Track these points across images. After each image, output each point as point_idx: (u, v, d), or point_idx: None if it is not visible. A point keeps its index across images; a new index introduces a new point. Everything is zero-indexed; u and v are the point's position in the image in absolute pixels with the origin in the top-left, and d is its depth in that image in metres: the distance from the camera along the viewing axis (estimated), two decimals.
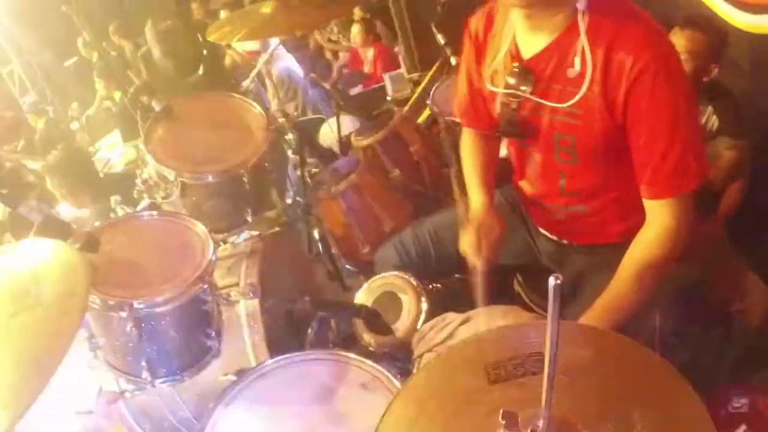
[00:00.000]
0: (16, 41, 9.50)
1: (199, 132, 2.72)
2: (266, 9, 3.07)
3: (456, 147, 3.33)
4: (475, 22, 2.05)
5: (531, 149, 1.99)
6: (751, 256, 2.89)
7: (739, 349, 2.60)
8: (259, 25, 3.04)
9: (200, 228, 2.21)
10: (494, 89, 1.95)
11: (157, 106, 2.69)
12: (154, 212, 2.42)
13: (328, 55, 8.12)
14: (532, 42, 1.83)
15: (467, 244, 2.02)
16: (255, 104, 2.79)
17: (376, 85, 6.36)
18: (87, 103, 8.57)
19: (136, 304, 1.97)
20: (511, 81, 1.86)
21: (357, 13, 7.36)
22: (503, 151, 2.29)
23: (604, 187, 1.92)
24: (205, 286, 2.08)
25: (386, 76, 6.00)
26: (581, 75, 1.70)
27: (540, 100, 1.82)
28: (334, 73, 7.63)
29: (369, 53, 6.89)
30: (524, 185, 2.16)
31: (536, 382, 1.10)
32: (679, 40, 2.75)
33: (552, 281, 0.90)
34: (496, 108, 1.97)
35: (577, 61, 1.70)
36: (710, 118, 2.92)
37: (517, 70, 1.85)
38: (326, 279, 3.44)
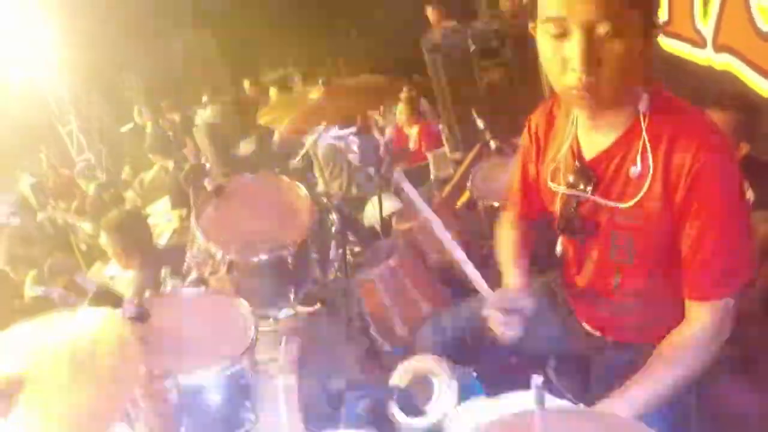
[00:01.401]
0: (77, 102, 9.89)
1: (247, 212, 2.85)
2: (314, 95, 3.22)
3: (493, 230, 3.41)
4: (536, 119, 2.06)
5: (587, 245, 1.97)
6: None
7: None
8: (307, 110, 3.16)
9: (244, 307, 2.32)
10: (555, 188, 1.95)
11: (209, 186, 2.82)
12: (202, 288, 2.54)
13: (375, 131, 8.26)
14: (594, 141, 1.83)
15: (494, 317, 2.00)
16: (301, 186, 2.91)
17: (421, 163, 6.41)
18: (139, 167, 8.85)
19: (179, 376, 2.08)
20: (573, 180, 1.86)
21: (403, 89, 7.52)
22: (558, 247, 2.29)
23: (658, 287, 1.88)
24: (245, 364, 2.17)
25: (430, 155, 6.07)
26: (642, 175, 1.70)
27: (601, 200, 1.81)
28: (381, 150, 7.74)
29: (413, 131, 6.97)
30: (576, 278, 2.12)
31: None
32: None
33: (534, 380, 0.95)
34: (556, 205, 1.96)
35: (639, 160, 1.70)
36: (746, 192, 2.89)
37: (578, 169, 1.85)
38: (365, 357, 3.49)
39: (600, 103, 1.67)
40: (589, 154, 1.84)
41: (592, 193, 1.82)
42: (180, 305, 2.42)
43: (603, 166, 1.80)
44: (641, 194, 1.71)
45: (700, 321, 1.72)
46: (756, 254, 2.84)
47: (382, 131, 8.08)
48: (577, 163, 1.86)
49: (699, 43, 3.24)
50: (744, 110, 2.78)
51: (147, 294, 2.59)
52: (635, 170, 1.71)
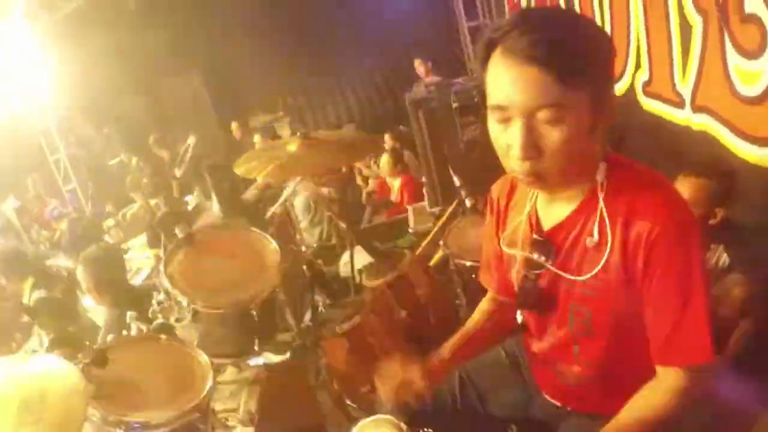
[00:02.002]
0: (66, 133, 9.95)
1: (216, 262, 2.86)
2: (292, 147, 3.21)
3: (465, 288, 3.43)
4: (497, 190, 2.03)
5: (546, 317, 1.93)
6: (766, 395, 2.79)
7: None
8: (284, 163, 3.15)
9: (203, 358, 2.33)
10: (510, 250, 1.93)
11: (180, 233, 2.84)
12: (163, 336, 2.54)
13: (359, 180, 8.31)
14: (552, 212, 1.80)
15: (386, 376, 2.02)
16: (271, 240, 2.92)
17: (400, 216, 6.44)
18: (123, 202, 8.86)
19: (132, 423, 2.09)
20: (530, 251, 1.84)
21: (387, 141, 7.58)
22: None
23: (619, 358, 1.85)
24: (200, 415, 2.17)
25: (410, 208, 6.10)
26: (600, 247, 1.68)
27: (559, 272, 1.79)
28: (363, 199, 7.79)
29: (396, 183, 7.02)
30: (536, 347, 2.08)
31: None
32: (682, 187, 2.73)
33: None
34: (515, 278, 1.93)
35: (596, 231, 1.67)
36: (720, 256, 2.89)
37: (536, 240, 1.82)
38: (333, 407, 3.47)
39: (546, 187, 1.69)
40: (547, 224, 1.83)
41: (551, 265, 1.80)
42: (140, 352, 2.41)
43: (561, 237, 1.78)
44: (599, 266, 1.69)
45: (667, 386, 1.70)
46: (731, 316, 2.89)
47: (365, 180, 8.14)
48: (534, 234, 1.85)
49: (678, 103, 3.28)
50: (719, 177, 2.79)
51: (110, 337, 2.59)
52: (592, 241, 1.69)
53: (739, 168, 2.83)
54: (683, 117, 3.25)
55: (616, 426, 1.72)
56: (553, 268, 1.80)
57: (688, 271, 1.61)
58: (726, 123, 2.90)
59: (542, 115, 1.49)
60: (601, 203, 1.67)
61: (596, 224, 1.68)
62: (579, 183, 1.71)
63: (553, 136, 1.52)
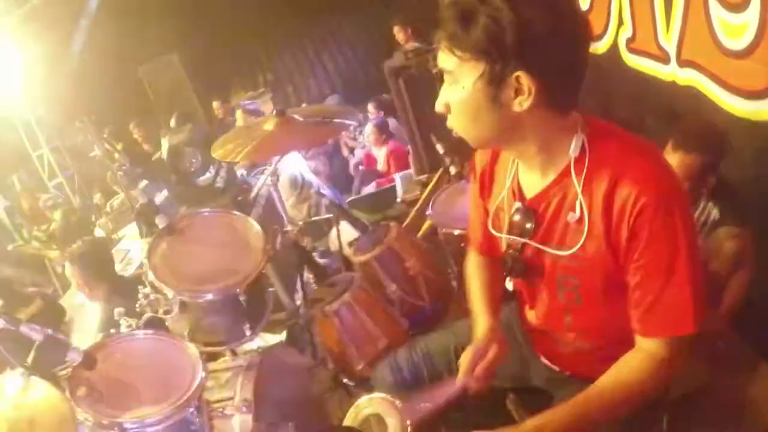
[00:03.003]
0: (47, 127, 9.85)
1: (199, 249, 2.81)
2: (269, 126, 3.17)
3: (455, 256, 3.40)
4: (480, 157, 2.04)
5: (536, 286, 1.95)
6: (763, 348, 2.84)
7: None
8: (261, 142, 3.11)
9: (192, 350, 2.30)
10: (497, 233, 1.95)
11: (160, 224, 2.79)
12: (150, 331, 2.51)
13: (345, 151, 8.26)
14: (532, 181, 1.81)
15: (463, 360, 1.95)
16: (254, 223, 2.88)
17: (388, 185, 6.44)
18: (112, 192, 8.80)
19: (126, 425, 2.06)
20: (515, 219, 1.85)
21: (371, 111, 7.53)
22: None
23: (613, 326, 1.83)
24: (193, 409, 2.14)
25: (397, 177, 6.07)
26: (582, 219, 1.68)
27: (541, 247, 1.80)
28: (351, 171, 7.76)
29: (382, 152, 7.00)
30: (529, 315, 2.10)
31: None
32: (673, 160, 2.70)
33: None
34: (502, 247, 1.95)
35: (577, 206, 1.68)
36: (711, 210, 2.89)
37: (519, 209, 1.83)
38: (332, 384, 3.47)
39: (472, 145, 1.77)
40: (528, 193, 1.82)
41: (533, 237, 1.80)
42: (128, 350, 2.38)
43: (542, 207, 1.77)
44: (581, 241, 1.69)
45: (649, 353, 1.70)
46: (724, 270, 2.88)
47: (352, 151, 8.10)
48: (517, 202, 1.84)
49: (663, 58, 3.25)
50: (711, 150, 2.77)
51: (99, 336, 2.56)
52: (573, 216, 1.69)
53: (726, 121, 2.79)
54: (669, 72, 3.21)
55: (597, 391, 1.72)
56: (533, 243, 1.80)
57: (674, 242, 1.59)
58: (712, 77, 2.87)
59: (446, 77, 1.62)
60: (574, 180, 1.67)
61: (578, 200, 1.67)
62: (545, 153, 1.71)
63: (451, 95, 1.63)
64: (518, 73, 1.52)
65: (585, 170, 1.66)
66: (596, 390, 1.71)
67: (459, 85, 1.59)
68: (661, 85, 3.29)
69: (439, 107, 1.67)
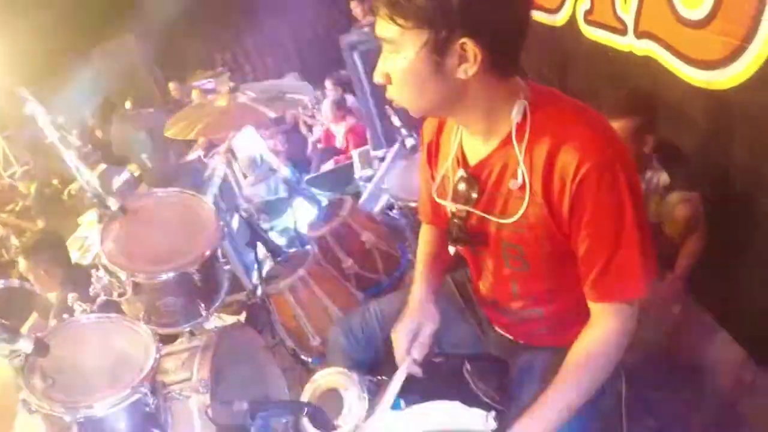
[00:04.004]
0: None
1: (152, 230, 2.79)
2: (221, 102, 3.15)
3: (412, 229, 3.40)
4: (427, 128, 2.03)
5: (482, 255, 1.95)
6: (718, 311, 2.88)
7: (709, 413, 2.63)
8: (213, 120, 3.09)
9: (145, 331, 2.28)
10: (441, 201, 1.94)
11: (113, 206, 2.75)
12: (103, 315, 2.48)
13: (303, 129, 8.21)
14: (476, 148, 1.79)
15: (397, 345, 1.98)
16: (205, 200, 2.87)
17: (347, 162, 6.39)
18: (68, 179, 8.68)
19: (80, 410, 2.05)
20: (459, 187, 1.83)
21: (329, 87, 7.48)
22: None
23: (559, 291, 1.87)
24: (147, 390, 2.13)
25: (354, 153, 6.04)
26: (523, 188, 1.66)
27: (484, 215, 1.79)
28: (309, 149, 7.72)
29: (340, 129, 6.96)
30: (480, 287, 2.11)
31: None
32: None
33: None
34: (447, 215, 1.94)
35: (519, 173, 1.66)
36: (660, 176, 2.93)
37: (462, 177, 1.82)
38: (291, 362, 3.46)
39: (413, 114, 1.72)
40: (472, 160, 1.81)
41: (476, 205, 1.79)
42: (81, 334, 2.36)
43: (485, 174, 1.76)
44: (523, 208, 1.68)
45: (603, 323, 1.71)
46: (677, 234, 2.91)
47: (310, 129, 8.05)
48: (461, 169, 1.83)
49: (620, 30, 3.25)
50: (638, 111, 2.81)
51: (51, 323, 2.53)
52: (515, 183, 1.67)
53: (682, 91, 2.80)
54: (626, 43, 3.22)
55: (566, 368, 1.71)
56: (476, 212, 1.80)
57: (620, 208, 1.59)
58: (669, 48, 2.87)
59: (386, 46, 1.58)
60: (516, 146, 1.65)
61: (519, 166, 1.65)
62: (487, 120, 1.69)
63: (392, 65, 1.59)
64: (464, 40, 1.49)
65: (526, 136, 1.64)
66: (567, 376, 1.70)
67: (400, 55, 1.55)
68: (618, 56, 3.30)
69: (378, 78, 1.64)
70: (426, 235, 2.25)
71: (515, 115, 1.64)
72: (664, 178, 2.92)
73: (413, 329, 1.97)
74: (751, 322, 2.73)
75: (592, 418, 1.87)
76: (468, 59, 1.53)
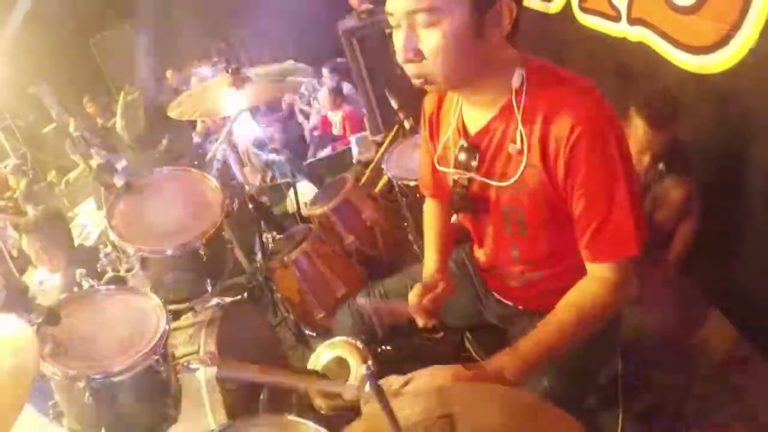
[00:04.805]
0: None
1: (158, 207, 2.85)
2: (224, 84, 3.19)
3: (411, 209, 3.45)
4: (428, 102, 2.07)
5: (483, 221, 2.00)
6: (712, 292, 2.95)
7: (702, 389, 2.68)
8: (215, 102, 3.14)
9: (155, 301, 2.33)
10: (443, 169, 1.99)
11: (118, 183, 2.80)
12: (112, 286, 2.54)
13: (300, 117, 8.23)
14: (476, 118, 1.84)
15: (412, 296, 1.98)
16: (211, 179, 2.91)
17: (344, 148, 6.44)
18: (65, 169, 8.69)
19: (92, 375, 2.10)
20: (460, 157, 1.88)
21: (325, 75, 7.50)
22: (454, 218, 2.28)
23: (558, 255, 1.92)
24: (158, 357, 2.18)
25: (352, 139, 6.09)
26: (521, 151, 1.71)
27: (485, 180, 1.84)
28: (306, 136, 7.74)
29: (337, 116, 6.99)
30: (479, 252, 2.18)
31: None
32: (637, 130, 2.85)
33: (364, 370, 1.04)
34: (449, 185, 1.99)
35: (518, 137, 1.71)
36: (659, 164, 2.98)
37: (463, 146, 1.86)
38: (293, 342, 3.52)
39: (440, 89, 1.75)
40: (472, 129, 1.87)
41: (477, 171, 1.85)
42: (91, 305, 2.40)
43: (485, 142, 1.82)
44: (520, 171, 1.74)
45: (598, 280, 1.76)
46: (671, 218, 2.97)
47: (307, 117, 8.07)
48: (462, 140, 1.88)
49: (614, 17, 3.30)
50: (676, 123, 2.87)
51: (62, 296, 2.58)
52: (514, 147, 1.73)
53: (674, 76, 2.87)
54: (620, 30, 3.27)
55: (555, 313, 1.76)
56: (477, 177, 1.85)
57: (612, 170, 1.65)
58: (661, 34, 2.93)
59: (420, 18, 1.56)
60: (516, 109, 1.71)
61: (517, 130, 1.71)
62: (498, 84, 1.74)
63: (431, 39, 1.58)
64: None
65: (523, 102, 1.70)
66: (555, 318, 1.75)
67: (441, 25, 1.56)
68: (612, 43, 3.35)
69: (408, 55, 1.63)
70: (430, 209, 2.30)
71: (515, 80, 1.70)
72: (660, 165, 2.99)
73: (430, 287, 1.97)
74: (743, 302, 2.81)
75: (590, 392, 1.94)
76: (503, 20, 1.59)
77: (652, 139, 2.85)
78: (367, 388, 1.50)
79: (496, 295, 2.23)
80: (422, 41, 1.60)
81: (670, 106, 2.87)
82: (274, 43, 11.27)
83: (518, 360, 1.67)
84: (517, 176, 1.76)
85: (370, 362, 2.05)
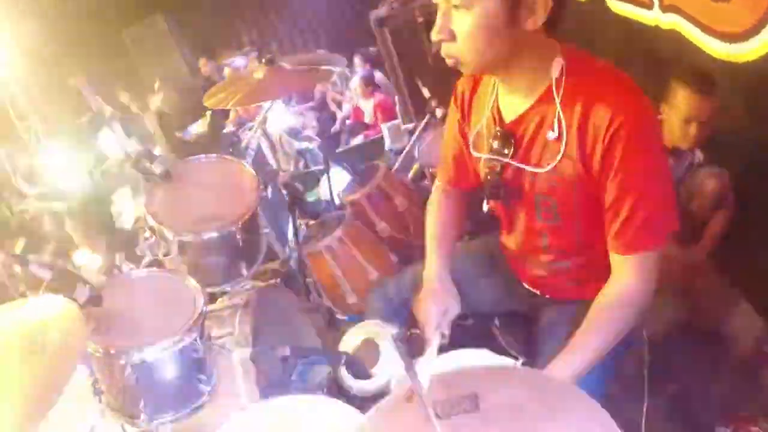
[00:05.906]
0: (34, 97, 9.81)
1: (195, 193, 2.92)
2: (258, 74, 3.25)
3: None
4: (462, 85, 2.10)
5: (514, 209, 2.03)
6: (743, 284, 2.94)
7: (728, 380, 2.71)
8: (251, 90, 3.21)
9: (193, 283, 2.40)
10: (477, 154, 2.02)
11: (157, 170, 2.88)
12: (153, 269, 2.63)
13: (332, 106, 8.29)
14: (513, 104, 1.87)
15: (417, 309, 2.04)
16: (246, 165, 2.97)
17: (376, 136, 6.51)
18: (101, 157, 8.82)
19: (133, 353, 2.17)
20: (494, 144, 1.91)
21: (357, 63, 7.55)
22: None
23: (588, 245, 1.94)
24: (196, 335, 2.25)
25: (384, 127, 6.13)
26: (559, 139, 1.75)
27: (520, 165, 1.87)
28: (337, 125, 7.79)
29: (369, 104, 7.04)
30: (508, 241, 2.20)
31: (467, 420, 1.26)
32: (683, 103, 2.85)
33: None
34: (482, 171, 2.03)
35: (555, 125, 1.74)
36: (696, 153, 2.98)
37: (499, 133, 1.90)
38: (325, 326, 3.59)
39: (470, 71, 1.81)
40: (508, 117, 1.90)
41: (512, 157, 1.88)
42: (132, 287, 2.48)
43: (521, 130, 1.85)
44: (558, 158, 1.77)
45: (626, 276, 1.78)
46: (705, 209, 2.97)
47: (339, 105, 8.13)
48: (497, 127, 1.92)
49: (646, 4, 3.29)
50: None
51: (102, 278, 2.66)
52: (552, 135, 1.76)
53: (708, 65, 2.83)
54: (652, 17, 3.25)
55: (593, 316, 1.80)
56: (513, 162, 1.89)
57: (646, 161, 1.69)
58: (693, 21, 2.91)
59: (455, 1, 1.63)
60: (557, 99, 1.74)
61: (555, 118, 1.75)
62: (537, 73, 1.78)
63: (462, 21, 1.66)
64: None
65: (562, 92, 1.74)
66: (594, 321, 1.79)
67: (474, 10, 1.63)
68: (644, 30, 3.35)
69: (440, 35, 1.71)
70: (440, 202, 2.33)
71: (555, 71, 1.75)
72: (699, 155, 2.98)
73: (441, 311, 2.01)
74: None
75: (615, 381, 1.97)
76: (536, 11, 1.63)
77: (698, 105, 2.84)
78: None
79: (524, 284, 2.26)
80: (455, 23, 1.67)
81: (708, 72, 2.87)
82: (306, 32, 11.36)
83: (569, 366, 1.72)
84: (553, 164, 1.79)
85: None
